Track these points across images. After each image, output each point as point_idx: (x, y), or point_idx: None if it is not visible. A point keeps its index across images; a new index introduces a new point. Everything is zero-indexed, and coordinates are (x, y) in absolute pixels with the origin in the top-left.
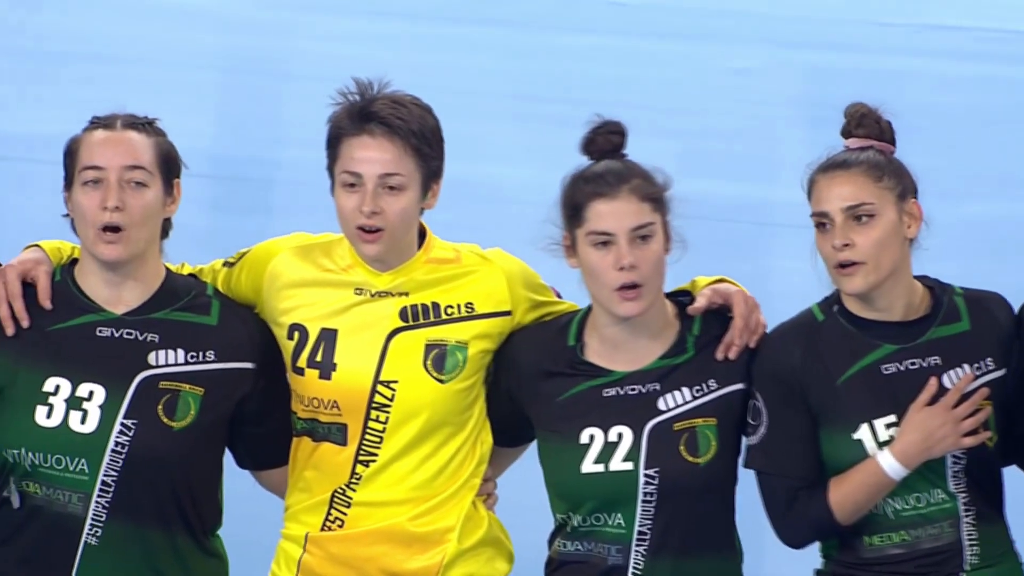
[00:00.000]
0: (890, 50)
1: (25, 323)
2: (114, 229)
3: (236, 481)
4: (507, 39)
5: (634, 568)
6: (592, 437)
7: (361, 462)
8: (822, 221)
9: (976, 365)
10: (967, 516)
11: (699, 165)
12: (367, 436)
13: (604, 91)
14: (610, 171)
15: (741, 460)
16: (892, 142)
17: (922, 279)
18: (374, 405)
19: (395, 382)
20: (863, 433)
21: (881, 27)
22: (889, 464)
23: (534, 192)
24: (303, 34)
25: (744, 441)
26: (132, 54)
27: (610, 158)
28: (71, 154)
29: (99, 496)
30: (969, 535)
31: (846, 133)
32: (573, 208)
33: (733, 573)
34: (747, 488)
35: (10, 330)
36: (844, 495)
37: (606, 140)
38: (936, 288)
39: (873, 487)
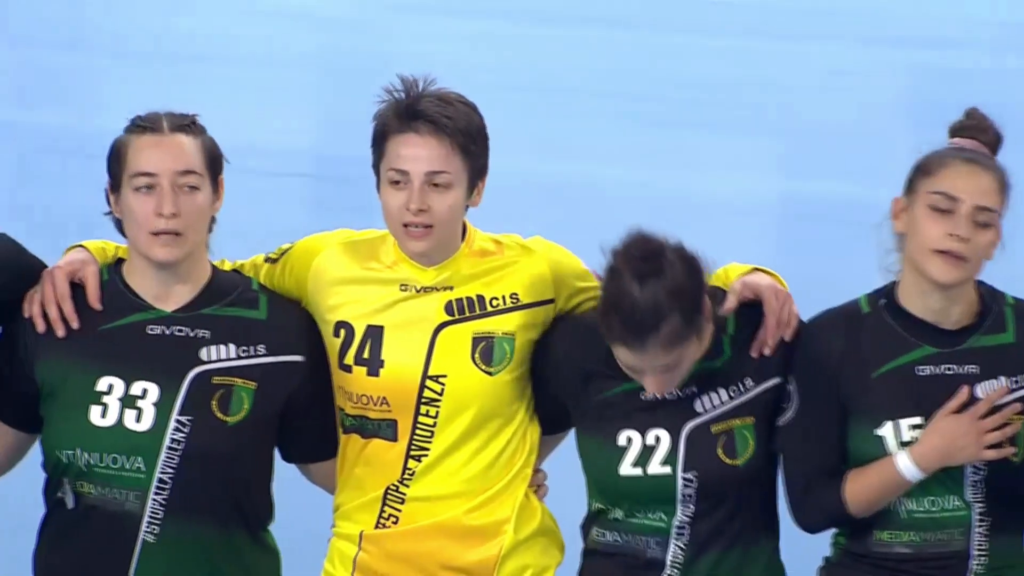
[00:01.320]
0: (994, 48)
1: (75, 324)
2: (170, 233)
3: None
4: (605, 38)
5: (672, 561)
6: (630, 440)
7: (413, 457)
8: (948, 206)
9: (1014, 379)
10: (980, 526)
11: (803, 165)
12: (418, 431)
13: (703, 90)
14: None
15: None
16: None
17: (976, 284)
18: (424, 400)
19: (444, 376)
20: (886, 430)
21: (986, 25)
22: (906, 465)
23: (631, 190)
24: (404, 34)
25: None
26: (236, 55)
27: None
28: (118, 157)
29: (156, 494)
30: (979, 545)
31: (956, 131)
32: None
33: (772, 560)
34: None
35: (60, 332)
36: (859, 489)
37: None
38: (987, 295)
39: (888, 485)
